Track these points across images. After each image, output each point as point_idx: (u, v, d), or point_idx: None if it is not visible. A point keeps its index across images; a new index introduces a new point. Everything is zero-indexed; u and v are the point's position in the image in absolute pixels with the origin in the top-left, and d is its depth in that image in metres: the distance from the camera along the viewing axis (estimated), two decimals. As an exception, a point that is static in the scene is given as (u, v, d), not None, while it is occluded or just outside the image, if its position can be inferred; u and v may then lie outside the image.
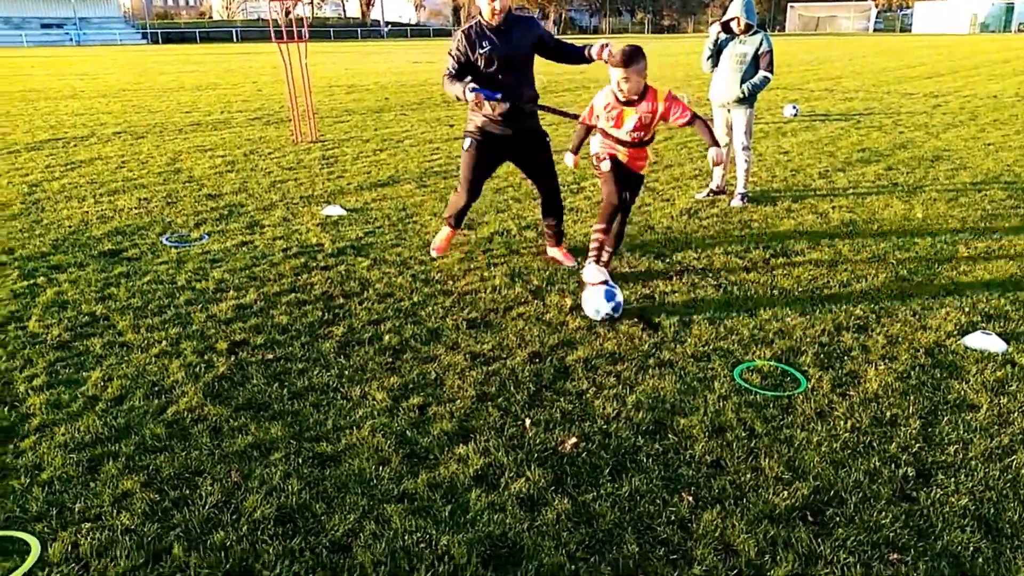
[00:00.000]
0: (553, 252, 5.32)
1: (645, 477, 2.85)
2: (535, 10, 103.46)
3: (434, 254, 5.39)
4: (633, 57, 4.36)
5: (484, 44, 4.71)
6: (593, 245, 4.83)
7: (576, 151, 5.01)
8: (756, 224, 6.10)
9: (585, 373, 3.68)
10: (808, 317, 4.29)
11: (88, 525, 2.58)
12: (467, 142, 5.04)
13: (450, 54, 4.78)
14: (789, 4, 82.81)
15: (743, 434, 3.13)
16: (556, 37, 5.04)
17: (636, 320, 4.27)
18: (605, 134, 4.75)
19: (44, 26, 63.38)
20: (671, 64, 27.32)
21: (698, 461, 2.96)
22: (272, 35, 10.62)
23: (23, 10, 63.49)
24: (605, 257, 4.85)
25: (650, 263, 5.20)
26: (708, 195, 7.00)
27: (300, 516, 2.64)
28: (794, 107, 12.52)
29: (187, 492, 2.77)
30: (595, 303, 4.28)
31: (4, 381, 3.58)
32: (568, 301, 4.54)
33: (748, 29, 6.41)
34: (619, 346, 3.96)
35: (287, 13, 11.14)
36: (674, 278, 4.90)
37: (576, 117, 4.96)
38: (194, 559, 2.42)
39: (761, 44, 6.37)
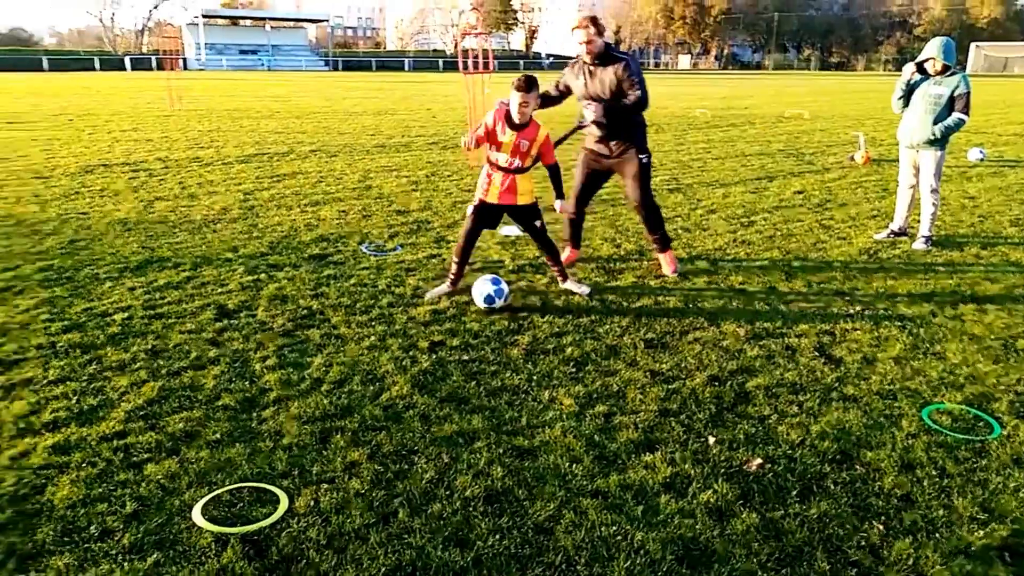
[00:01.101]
0: (659, 257, 5.81)
1: (833, 502, 2.91)
2: (697, 45, 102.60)
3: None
4: (533, 84, 4.74)
5: (580, 78, 5.39)
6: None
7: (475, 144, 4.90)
8: (942, 268, 5.89)
9: (766, 400, 3.76)
10: (1002, 365, 4.14)
11: (325, 486, 2.97)
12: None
13: (558, 79, 5.59)
14: (973, 43, 77.28)
15: (934, 472, 3.12)
16: (631, 86, 5.17)
17: (816, 354, 4.29)
18: (488, 158, 5.00)
19: (242, 52, 70.09)
20: (843, 102, 26.35)
21: (887, 493, 2.98)
22: (459, 64, 11.30)
23: (225, 37, 70.63)
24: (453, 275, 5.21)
25: (829, 300, 5.17)
26: (888, 236, 6.81)
27: (505, 499, 2.92)
28: (980, 151, 11.82)
29: (405, 467, 3.12)
30: (479, 292, 4.90)
31: (242, 360, 4.14)
32: (743, 330, 4.61)
33: (945, 70, 6.23)
34: (800, 377, 4.00)
35: (455, 45, 11.79)
36: (855, 316, 4.85)
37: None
38: (418, 523, 2.75)
39: (958, 85, 6.17)
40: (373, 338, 4.44)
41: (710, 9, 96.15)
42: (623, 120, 5.35)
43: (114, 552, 2.56)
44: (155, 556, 2.54)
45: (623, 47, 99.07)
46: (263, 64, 69.04)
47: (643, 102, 5.22)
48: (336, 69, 71.11)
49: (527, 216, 5.09)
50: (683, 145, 13.25)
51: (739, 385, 3.91)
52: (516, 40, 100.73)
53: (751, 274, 5.72)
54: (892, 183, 9.18)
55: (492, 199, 5.00)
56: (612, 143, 5.48)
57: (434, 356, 4.21)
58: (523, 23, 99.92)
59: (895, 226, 6.84)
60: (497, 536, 2.69)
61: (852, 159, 11.44)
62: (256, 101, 24.83)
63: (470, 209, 5.11)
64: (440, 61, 75.72)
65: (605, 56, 5.25)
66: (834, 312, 4.94)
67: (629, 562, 2.56)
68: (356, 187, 9.20)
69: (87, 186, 9.06)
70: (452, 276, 5.20)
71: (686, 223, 7.39)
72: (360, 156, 11.83)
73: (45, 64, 61.36)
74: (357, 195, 8.71)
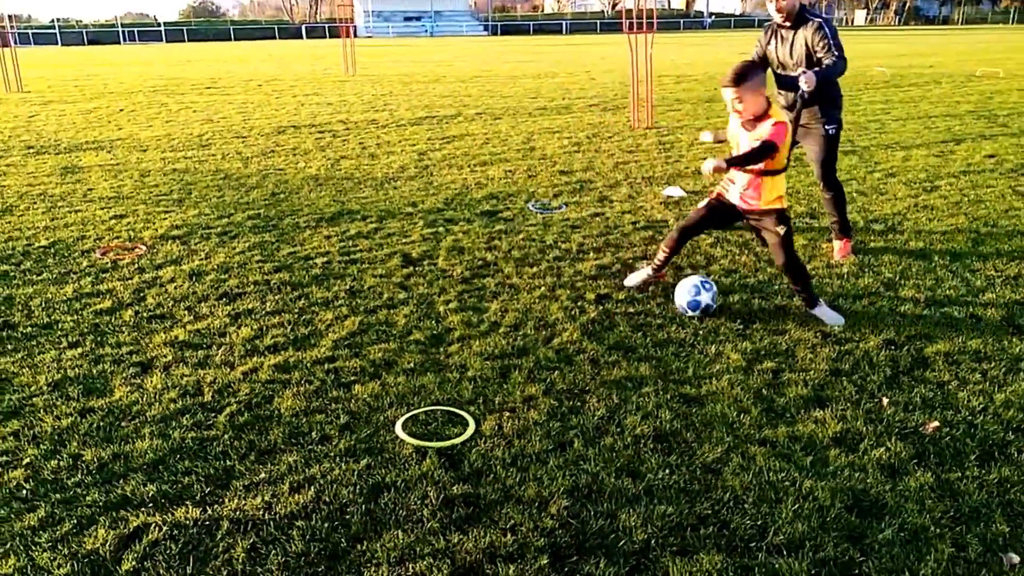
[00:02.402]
0: (834, 242, 5.30)
1: (1016, 469, 2.85)
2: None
3: None
4: (744, 74, 3.92)
5: (771, 42, 5.10)
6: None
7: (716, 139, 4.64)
8: None
9: (946, 366, 3.66)
10: None
11: (507, 414, 3.26)
12: None
13: (756, 43, 5.27)
14: None
15: None
16: (826, 50, 4.78)
17: (1003, 324, 4.10)
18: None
19: (406, 19, 72.61)
20: (1047, 59, 23.67)
21: (1079, 465, 2.87)
22: (622, 25, 11.28)
23: (390, 4, 73.36)
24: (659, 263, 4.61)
25: (1021, 269, 4.87)
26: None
27: (673, 439, 3.08)
28: None
29: (578, 404, 3.35)
30: (681, 298, 4.27)
31: (428, 302, 4.52)
32: (923, 296, 4.46)
33: None
34: (984, 345, 3.85)
35: (614, 6, 11.70)
36: (1052, 287, 4.56)
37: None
38: (592, 453, 2.97)
39: None
40: (543, 288, 4.70)
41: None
42: (815, 91, 4.85)
43: (332, 454, 2.97)
44: (366, 460, 2.93)
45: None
46: (426, 30, 71.16)
47: (839, 69, 4.76)
48: (495, 33, 72.01)
49: (768, 223, 4.19)
50: (858, 106, 12.52)
51: (917, 350, 3.83)
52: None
53: (933, 240, 5.46)
54: (1104, 148, 8.30)
55: (732, 198, 4.30)
56: (801, 111, 5.04)
57: (601, 307, 4.40)
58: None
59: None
60: (666, 471, 2.86)
61: (1057, 122, 10.39)
62: (422, 66, 25.79)
63: (703, 203, 4.52)
64: (598, 23, 74.78)
65: (798, 18, 4.92)
66: (1027, 282, 4.65)
67: (797, 505, 2.66)
68: (521, 148, 9.50)
69: (280, 145, 9.94)
70: (657, 263, 4.62)
71: (862, 187, 7.10)
72: (523, 118, 12.12)
73: (232, 34, 66.47)
74: (522, 156, 9.00)
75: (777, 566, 2.38)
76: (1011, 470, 2.84)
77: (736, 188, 4.27)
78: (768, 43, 5.14)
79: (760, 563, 2.40)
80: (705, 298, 4.22)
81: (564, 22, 77.38)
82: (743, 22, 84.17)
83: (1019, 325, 4.07)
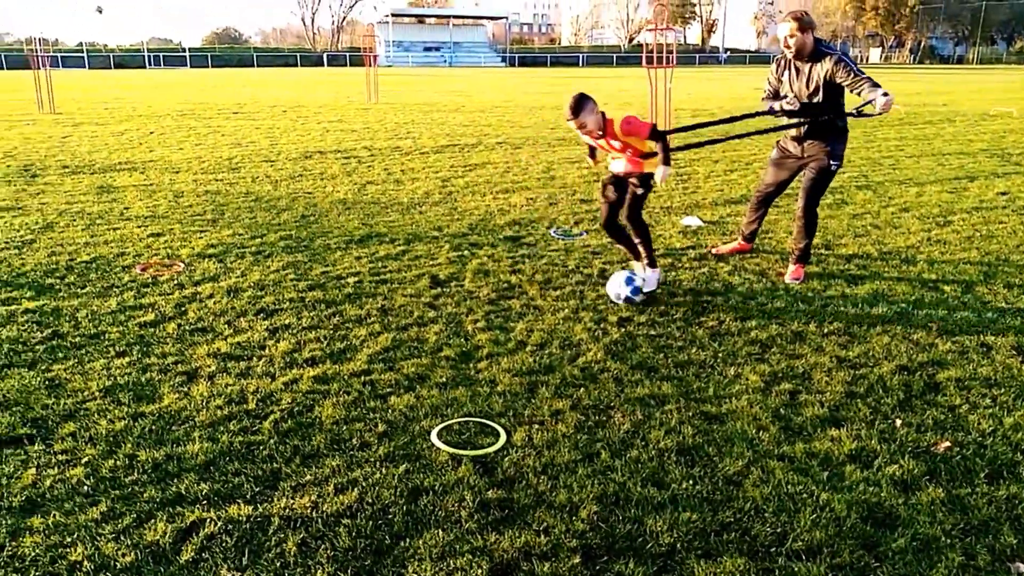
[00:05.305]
0: (790, 265, 5.64)
1: (1024, 487, 2.98)
2: (890, 37, 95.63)
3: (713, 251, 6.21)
4: (577, 106, 4.72)
5: (785, 75, 5.39)
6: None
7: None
8: None
9: (957, 391, 3.80)
10: None
11: (536, 426, 3.42)
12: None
13: (767, 79, 5.64)
14: None
15: None
16: (851, 78, 5.03)
17: (1014, 352, 4.24)
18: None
19: (426, 49, 73.86)
20: (1061, 99, 23.84)
21: (1085, 486, 3.00)
22: (642, 59, 11.57)
23: (411, 35, 74.78)
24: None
25: (1033, 301, 5.01)
26: (1107, 242, 6.36)
27: (696, 453, 3.23)
28: None
29: (603, 419, 3.51)
30: (615, 287, 5.00)
31: (456, 321, 4.71)
32: (935, 325, 4.61)
33: None
34: (995, 373, 3.99)
35: (630, 40, 11.99)
36: (1062, 319, 4.69)
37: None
38: (618, 463, 3.13)
39: None
40: (567, 311, 4.87)
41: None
42: (826, 122, 5.24)
43: (373, 459, 3.14)
44: (405, 465, 3.09)
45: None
46: (445, 60, 72.32)
47: (879, 89, 4.90)
48: (512, 65, 73.03)
49: (644, 182, 5.05)
50: (873, 142, 12.71)
51: (929, 376, 3.97)
52: (692, 34, 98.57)
53: (946, 272, 5.62)
54: (1116, 187, 8.45)
55: (617, 169, 5.13)
56: (806, 143, 5.38)
57: (623, 329, 4.57)
58: (700, 17, 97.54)
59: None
60: (690, 481, 3.01)
61: (1069, 160, 10.55)
62: (442, 96, 26.28)
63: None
64: (614, 56, 75.78)
65: (814, 52, 5.15)
66: (1038, 314, 4.79)
67: (815, 515, 2.80)
68: (541, 177, 9.74)
69: (308, 169, 10.23)
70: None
71: (876, 220, 7.27)
72: (543, 148, 12.39)
73: (255, 60, 67.76)
74: (542, 184, 9.23)
75: (797, 570, 2.53)
76: (1019, 487, 2.98)
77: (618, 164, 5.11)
78: (781, 75, 5.41)
79: (781, 567, 2.54)
80: (638, 280, 5.01)
81: (581, 55, 78.44)
82: (758, 58, 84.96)
83: (1029, 354, 4.21)
